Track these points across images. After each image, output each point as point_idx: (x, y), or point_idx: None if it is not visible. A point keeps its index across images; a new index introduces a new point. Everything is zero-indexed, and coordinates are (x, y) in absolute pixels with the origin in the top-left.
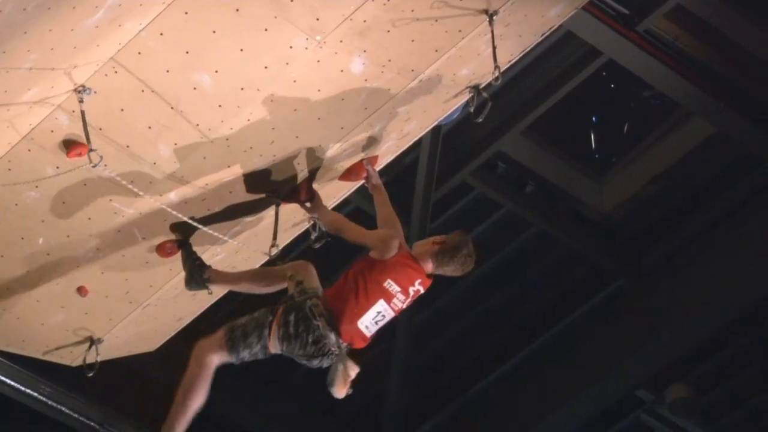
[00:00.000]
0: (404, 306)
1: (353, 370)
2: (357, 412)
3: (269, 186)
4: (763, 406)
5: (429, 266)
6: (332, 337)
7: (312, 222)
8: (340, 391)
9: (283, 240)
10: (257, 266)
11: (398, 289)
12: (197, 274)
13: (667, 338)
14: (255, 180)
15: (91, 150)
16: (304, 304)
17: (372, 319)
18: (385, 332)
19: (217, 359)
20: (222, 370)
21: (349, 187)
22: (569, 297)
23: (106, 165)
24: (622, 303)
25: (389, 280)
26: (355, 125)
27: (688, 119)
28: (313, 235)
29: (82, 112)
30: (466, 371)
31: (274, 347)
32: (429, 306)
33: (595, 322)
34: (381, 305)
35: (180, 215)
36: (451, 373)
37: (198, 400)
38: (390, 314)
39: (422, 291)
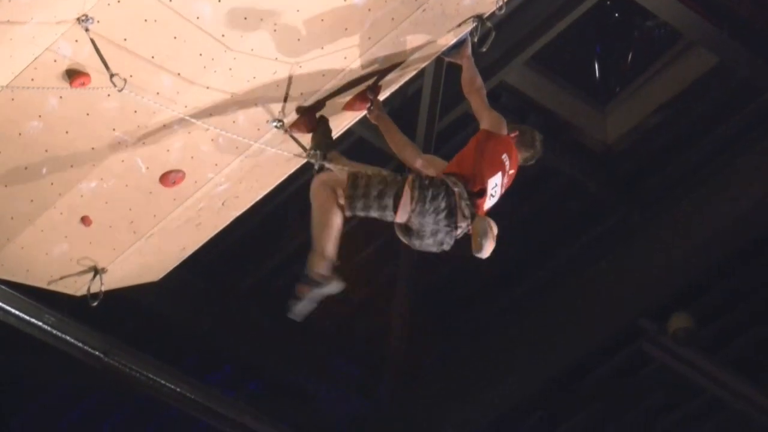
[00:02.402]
0: (501, 191)
1: (495, 226)
2: (363, 341)
3: (273, 116)
4: (766, 336)
5: None
6: (466, 208)
7: None
8: (489, 245)
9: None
10: (261, 194)
11: (508, 166)
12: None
13: (670, 268)
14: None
15: (113, 75)
16: (443, 182)
17: (491, 189)
18: (392, 262)
19: (340, 203)
20: (221, 297)
21: (352, 117)
22: (572, 227)
23: (129, 90)
24: (625, 233)
25: (505, 154)
26: (358, 55)
27: (692, 49)
28: None
29: (92, 40)
30: (468, 301)
31: (402, 216)
32: None
33: (598, 252)
34: (499, 178)
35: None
36: (454, 302)
37: (337, 221)
38: (498, 194)
39: (508, 183)
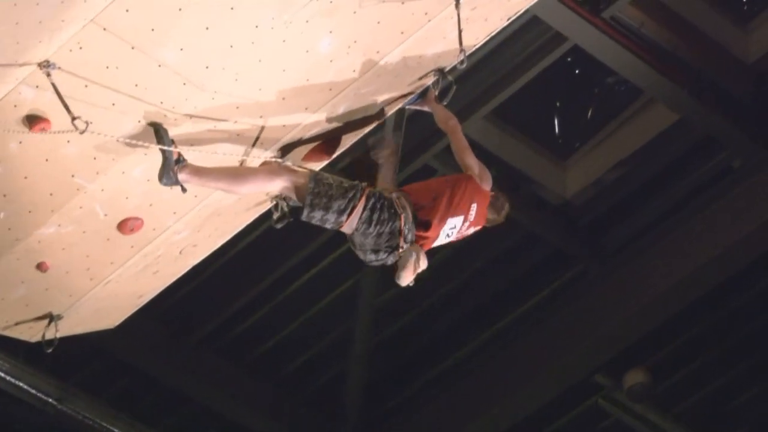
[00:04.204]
0: (457, 237)
1: (424, 263)
2: (320, 390)
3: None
4: (720, 391)
5: None
6: (409, 233)
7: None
8: (407, 277)
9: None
10: (220, 243)
11: (473, 217)
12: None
13: (627, 322)
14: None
15: (75, 118)
16: (392, 205)
17: (448, 228)
18: (348, 312)
19: (284, 189)
20: (178, 345)
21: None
22: (530, 281)
23: (91, 131)
24: (582, 288)
25: (475, 205)
26: (319, 106)
27: (652, 105)
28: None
29: (54, 85)
30: (426, 352)
31: (349, 227)
32: (391, 286)
33: (555, 307)
34: (459, 221)
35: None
36: (412, 354)
37: (241, 192)
38: (454, 236)
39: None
